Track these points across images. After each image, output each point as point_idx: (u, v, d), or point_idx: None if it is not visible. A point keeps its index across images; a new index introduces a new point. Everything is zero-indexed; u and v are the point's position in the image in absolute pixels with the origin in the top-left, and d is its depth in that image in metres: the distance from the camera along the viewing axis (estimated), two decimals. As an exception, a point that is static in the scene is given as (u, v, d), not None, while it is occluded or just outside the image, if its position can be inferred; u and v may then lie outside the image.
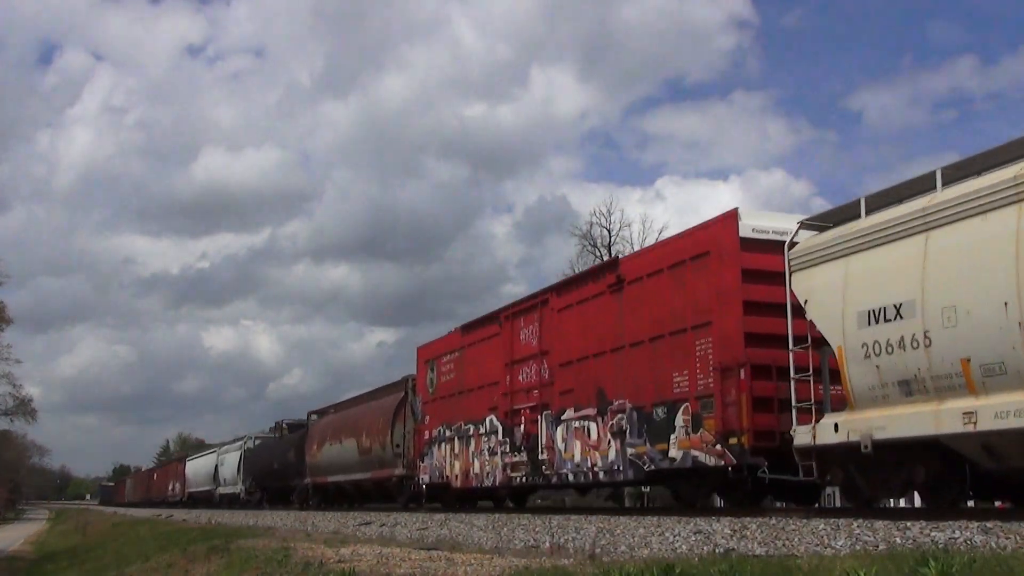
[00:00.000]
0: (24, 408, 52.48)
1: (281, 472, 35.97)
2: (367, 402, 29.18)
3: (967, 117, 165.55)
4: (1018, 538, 7.18)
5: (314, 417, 34.69)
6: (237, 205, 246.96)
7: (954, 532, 7.69)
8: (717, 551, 8.48)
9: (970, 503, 11.83)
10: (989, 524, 7.81)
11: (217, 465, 49.21)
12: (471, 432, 19.65)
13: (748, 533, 9.16)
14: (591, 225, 45.02)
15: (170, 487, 64.02)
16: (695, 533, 9.63)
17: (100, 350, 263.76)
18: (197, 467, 55.82)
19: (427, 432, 22.21)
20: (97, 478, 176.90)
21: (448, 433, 20.84)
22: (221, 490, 48.06)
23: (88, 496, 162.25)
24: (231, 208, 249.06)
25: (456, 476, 20.31)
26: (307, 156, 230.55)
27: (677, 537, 9.59)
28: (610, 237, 44.47)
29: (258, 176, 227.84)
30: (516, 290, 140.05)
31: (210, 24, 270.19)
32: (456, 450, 20.34)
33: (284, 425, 39.44)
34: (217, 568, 13.32)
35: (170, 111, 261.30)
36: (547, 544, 10.80)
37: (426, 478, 22.15)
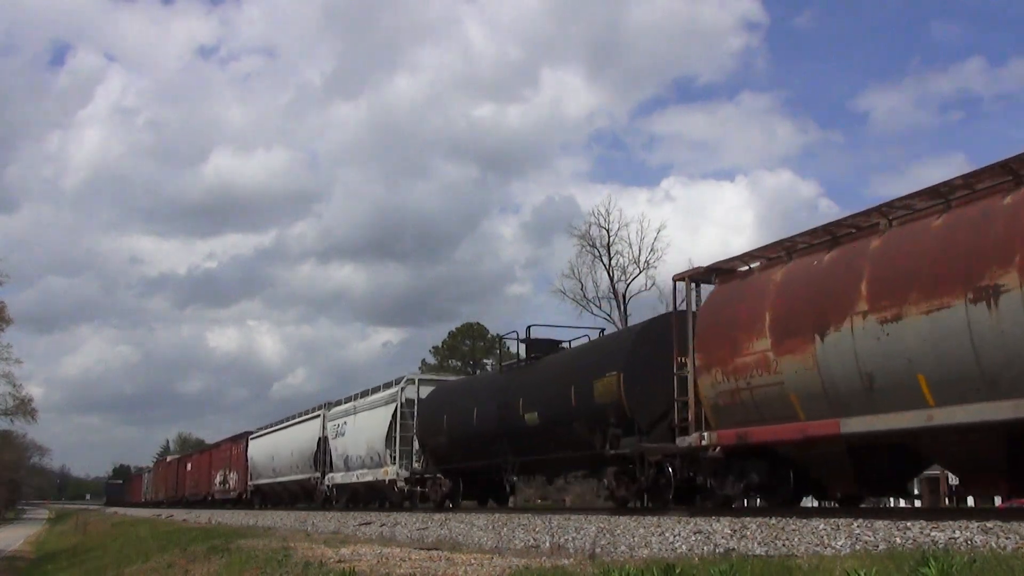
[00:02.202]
0: (24, 408, 52.45)
1: (542, 436, 17.26)
2: None
3: (974, 118, 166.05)
4: (1018, 538, 7.19)
5: (696, 294, 13.88)
6: (245, 206, 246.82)
7: (954, 532, 7.71)
8: (717, 551, 8.49)
9: (970, 503, 11.78)
10: (989, 524, 7.83)
11: (323, 437, 30.26)
12: None
13: (748, 533, 9.17)
14: (590, 225, 45.05)
15: (218, 479, 45.74)
16: (695, 533, 9.63)
17: (104, 350, 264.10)
18: (275, 445, 36.15)
19: None
20: (97, 478, 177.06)
21: None
22: (338, 477, 28.46)
23: (88, 496, 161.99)
24: (239, 209, 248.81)
25: None
26: (316, 157, 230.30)
27: (677, 537, 9.59)
28: (609, 237, 44.54)
29: (267, 177, 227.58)
30: (522, 290, 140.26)
31: (222, 25, 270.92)
32: None
33: (531, 342, 19.56)
34: (217, 568, 13.30)
35: (181, 112, 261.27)
36: (547, 544, 10.80)
37: None
